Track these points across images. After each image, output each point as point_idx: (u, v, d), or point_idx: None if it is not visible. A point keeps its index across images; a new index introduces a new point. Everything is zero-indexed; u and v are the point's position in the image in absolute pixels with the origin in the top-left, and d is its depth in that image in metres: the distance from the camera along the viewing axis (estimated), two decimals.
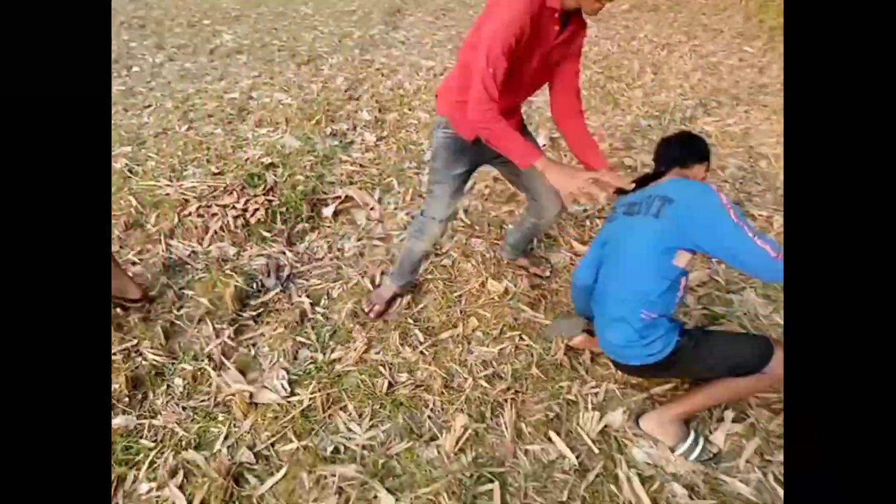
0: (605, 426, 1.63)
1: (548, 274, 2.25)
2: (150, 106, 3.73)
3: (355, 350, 1.83)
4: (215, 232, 2.35)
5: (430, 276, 2.21)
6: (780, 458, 1.52)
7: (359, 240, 2.42)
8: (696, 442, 1.54)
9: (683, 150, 1.60)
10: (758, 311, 2.07)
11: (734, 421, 1.64)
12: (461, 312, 2.03)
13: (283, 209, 2.52)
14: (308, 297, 2.09)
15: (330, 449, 1.53)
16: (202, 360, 1.78)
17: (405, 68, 4.64)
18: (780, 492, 1.45)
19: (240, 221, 2.40)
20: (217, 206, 2.44)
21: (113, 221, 2.36)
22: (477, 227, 2.52)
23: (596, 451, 1.57)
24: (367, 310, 2.00)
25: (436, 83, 4.28)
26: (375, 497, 1.42)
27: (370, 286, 2.14)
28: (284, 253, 2.32)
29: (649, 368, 1.50)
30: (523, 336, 1.92)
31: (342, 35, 5.64)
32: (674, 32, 5.98)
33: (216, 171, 2.75)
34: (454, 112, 1.63)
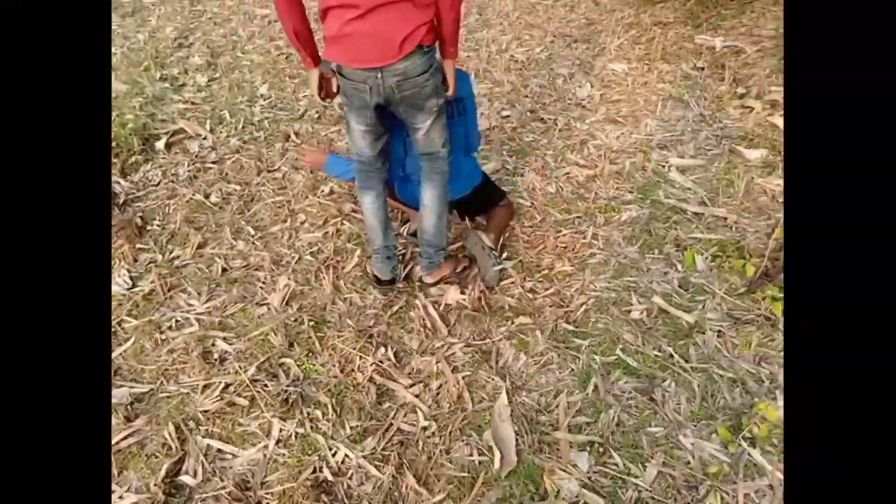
0: (409, 274, 2.05)
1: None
2: None
3: (191, 247, 2.07)
4: None
5: (262, 188, 2.48)
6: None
7: (192, 164, 2.61)
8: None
9: None
10: (536, 185, 2.60)
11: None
12: (290, 211, 2.34)
13: (114, 144, 2.62)
14: (144, 215, 2.27)
15: (172, 322, 1.79)
16: None
17: (239, 17, 4.67)
18: (535, 299, 1.95)
19: None
20: None
21: None
22: (306, 146, 2.80)
23: (402, 293, 1.98)
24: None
25: (271, 30, 4.39)
26: (213, 344, 1.72)
27: (203, 199, 2.36)
28: (119, 182, 2.44)
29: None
30: (344, 221, 2.28)
31: None
32: None
33: None
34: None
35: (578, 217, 2.32)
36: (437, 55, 1.60)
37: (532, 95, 3.59)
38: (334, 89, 1.66)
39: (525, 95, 3.57)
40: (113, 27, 4.24)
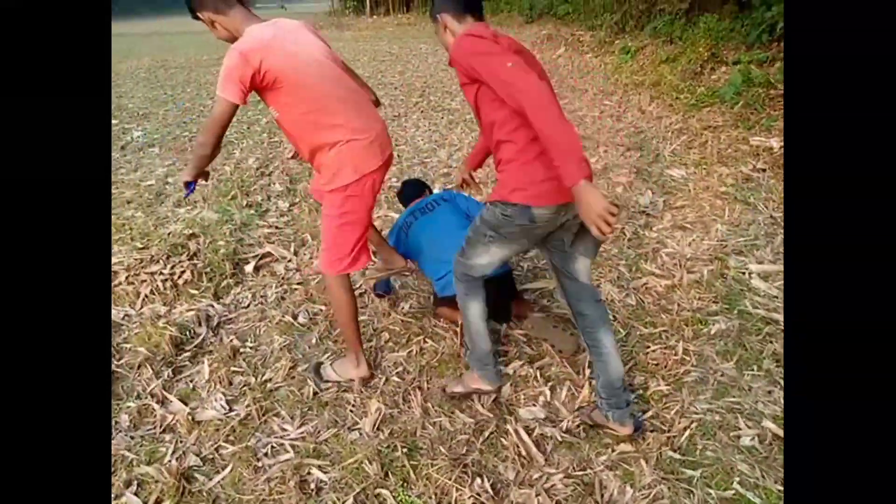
0: (496, 397, 2.02)
1: None
2: None
3: (283, 369, 2.13)
4: (146, 296, 2.59)
5: None
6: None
7: (279, 286, 2.75)
8: None
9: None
10: (614, 297, 2.58)
11: None
12: (374, 330, 2.39)
13: (208, 270, 2.81)
14: (237, 337, 2.37)
15: (268, 448, 1.80)
16: (145, 398, 2.00)
17: None
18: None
19: (168, 284, 2.66)
20: (145, 273, 2.69)
21: None
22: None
23: (490, 415, 1.94)
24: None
25: None
26: (309, 473, 1.70)
27: (291, 320, 2.46)
28: (213, 306, 2.59)
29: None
30: (426, 339, 2.30)
31: (249, 122, 6.09)
32: None
33: (141, 246, 3.00)
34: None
35: (665, 330, 2.27)
36: None
37: None
38: None
39: None
40: None
